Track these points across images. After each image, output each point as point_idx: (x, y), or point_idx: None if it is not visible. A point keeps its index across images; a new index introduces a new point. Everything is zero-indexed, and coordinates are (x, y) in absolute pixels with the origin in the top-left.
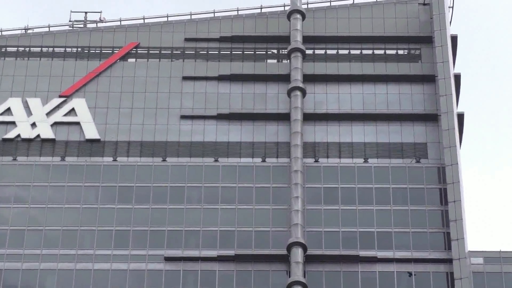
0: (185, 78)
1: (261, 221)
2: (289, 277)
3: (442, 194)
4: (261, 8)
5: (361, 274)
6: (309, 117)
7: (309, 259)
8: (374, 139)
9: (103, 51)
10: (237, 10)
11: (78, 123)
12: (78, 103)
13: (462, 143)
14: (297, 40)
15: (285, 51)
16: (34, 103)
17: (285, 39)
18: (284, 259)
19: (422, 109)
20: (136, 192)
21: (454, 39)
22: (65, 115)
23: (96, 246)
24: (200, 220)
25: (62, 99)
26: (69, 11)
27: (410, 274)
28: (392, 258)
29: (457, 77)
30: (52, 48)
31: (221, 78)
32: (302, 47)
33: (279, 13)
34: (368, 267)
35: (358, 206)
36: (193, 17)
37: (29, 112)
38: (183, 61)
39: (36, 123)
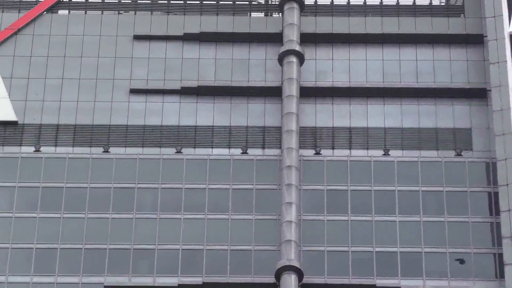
0: (137, 38)
1: (239, 236)
2: None
3: (491, 200)
4: None
5: None
6: (308, 93)
7: None
8: (397, 123)
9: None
10: None
11: None
12: None
13: None
14: None
15: (276, 1)
16: None
17: None
18: None
19: (465, 82)
20: (66, 195)
21: None
22: None
23: (9, 271)
24: (155, 235)
25: None
26: None
27: None
28: None
29: None
30: None
31: (187, 38)
32: None
33: None
34: None
35: (374, 216)
36: None
37: None
38: (135, 14)
39: None
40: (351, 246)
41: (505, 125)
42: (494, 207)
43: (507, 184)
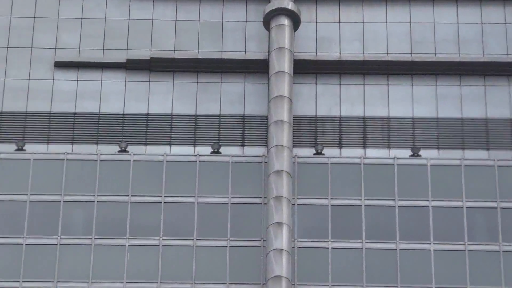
0: None
1: (208, 271)
2: None
3: None
4: None
5: None
6: (305, 68)
7: None
8: (431, 111)
9: None
10: None
11: None
12: None
13: None
14: None
15: None
16: None
17: None
18: None
19: None
20: None
21: None
22: None
23: None
24: (87, 270)
25: None
26: None
27: None
28: None
29: None
30: None
31: None
32: None
33: None
34: None
35: (399, 243)
36: None
37: None
38: None
39: None
40: (366, 286)
41: None
42: None
43: None
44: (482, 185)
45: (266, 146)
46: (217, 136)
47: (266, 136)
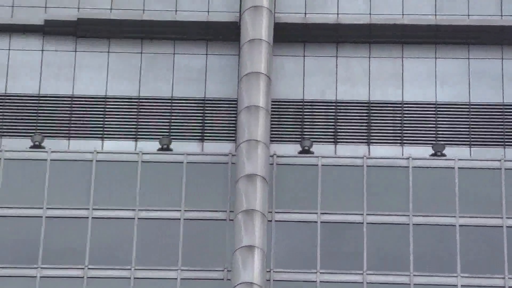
0: None
1: None
2: None
3: None
4: None
5: None
6: (290, 35)
7: None
8: (461, 94)
9: None
10: None
11: None
12: None
13: None
14: None
15: None
16: None
17: None
18: None
19: None
20: None
21: None
22: None
23: None
24: None
25: None
26: None
27: None
28: None
29: None
30: None
31: None
32: None
33: None
34: None
35: (414, 274)
36: None
37: None
38: None
39: None
40: None
41: None
42: None
43: None
44: None
45: (234, 141)
46: (167, 128)
47: (235, 127)
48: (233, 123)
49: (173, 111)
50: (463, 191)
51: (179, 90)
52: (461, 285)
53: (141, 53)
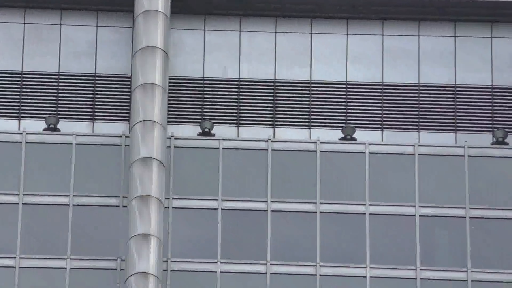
0: None
1: None
2: None
3: None
4: None
5: None
6: (189, 5)
7: None
8: (376, 76)
9: None
10: None
11: None
12: None
13: None
14: None
15: None
16: None
17: None
18: None
19: None
20: None
21: None
22: None
23: None
24: None
25: None
26: None
27: None
28: None
29: None
30: None
31: None
32: None
33: None
34: None
35: (320, 265)
36: None
37: None
38: None
39: None
40: None
41: None
42: None
43: None
44: (448, 184)
45: (128, 121)
46: (54, 106)
47: (128, 107)
48: (126, 102)
49: (60, 87)
50: (374, 178)
51: (67, 65)
52: (370, 276)
53: (24, 23)
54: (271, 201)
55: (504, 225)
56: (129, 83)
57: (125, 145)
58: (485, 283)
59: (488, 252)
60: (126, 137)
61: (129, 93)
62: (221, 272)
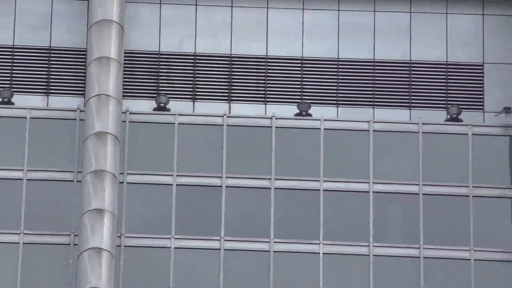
0: None
1: None
2: None
3: None
4: None
5: None
6: None
7: None
8: (331, 52)
9: None
10: None
11: None
12: None
13: None
14: None
15: None
16: None
17: None
18: None
19: None
20: None
21: None
22: None
23: None
24: None
25: None
26: None
27: None
28: None
29: None
30: None
31: None
32: None
33: None
34: None
35: (274, 241)
36: None
37: None
38: None
39: None
40: None
41: None
42: None
43: None
44: (402, 160)
45: (83, 96)
46: (8, 79)
47: (83, 81)
48: (81, 76)
49: (14, 61)
50: (328, 154)
51: (21, 37)
52: (323, 253)
53: None
54: (225, 177)
55: (457, 202)
56: (84, 56)
57: (80, 120)
58: (437, 260)
59: (441, 229)
60: (80, 111)
61: (84, 67)
62: (175, 248)
